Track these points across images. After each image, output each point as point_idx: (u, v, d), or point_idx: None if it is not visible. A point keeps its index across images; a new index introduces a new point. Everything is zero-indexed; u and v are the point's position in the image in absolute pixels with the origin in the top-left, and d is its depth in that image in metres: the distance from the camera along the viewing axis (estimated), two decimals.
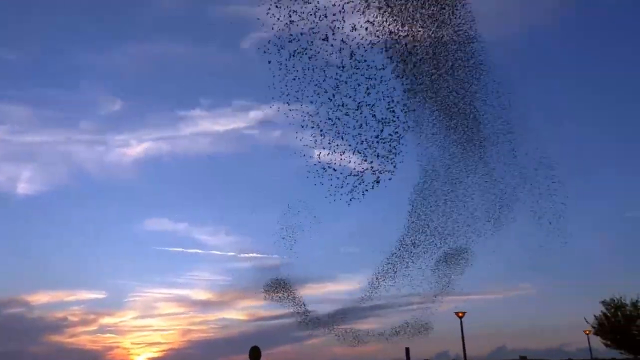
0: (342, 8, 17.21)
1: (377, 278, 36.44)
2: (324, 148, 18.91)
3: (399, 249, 31.76)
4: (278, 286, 38.45)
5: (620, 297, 48.17)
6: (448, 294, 34.26)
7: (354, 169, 17.97)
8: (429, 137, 24.76)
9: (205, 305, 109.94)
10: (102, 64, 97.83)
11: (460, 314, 33.20)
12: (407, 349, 43.90)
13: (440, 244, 32.02)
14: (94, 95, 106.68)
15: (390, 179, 16.85)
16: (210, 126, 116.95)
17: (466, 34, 20.81)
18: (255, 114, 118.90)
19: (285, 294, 38.90)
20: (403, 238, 30.72)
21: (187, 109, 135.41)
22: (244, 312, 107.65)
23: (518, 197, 26.23)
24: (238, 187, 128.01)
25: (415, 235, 31.08)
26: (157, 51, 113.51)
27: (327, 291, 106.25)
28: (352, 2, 17.83)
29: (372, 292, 37.32)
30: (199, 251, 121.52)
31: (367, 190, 17.12)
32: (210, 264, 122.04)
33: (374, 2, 19.85)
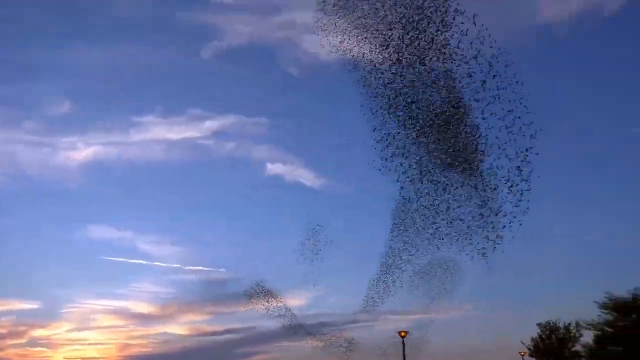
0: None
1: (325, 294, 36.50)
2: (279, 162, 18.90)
3: (349, 264, 31.98)
4: (261, 294, 37.36)
5: (556, 321, 50.46)
6: (393, 313, 34.84)
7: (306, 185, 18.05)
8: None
9: (146, 318, 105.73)
10: (52, 62, 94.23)
11: (402, 333, 33.66)
12: None
13: (391, 262, 32.56)
14: (40, 94, 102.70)
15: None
16: (163, 134, 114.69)
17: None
18: (210, 124, 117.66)
19: (270, 302, 37.75)
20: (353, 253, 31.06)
21: (141, 114, 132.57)
22: (187, 326, 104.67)
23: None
24: (188, 197, 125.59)
25: (367, 252, 31.62)
26: (112, 53, 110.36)
27: (274, 307, 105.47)
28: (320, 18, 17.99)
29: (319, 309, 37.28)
30: (142, 262, 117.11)
31: None
32: (153, 276, 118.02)
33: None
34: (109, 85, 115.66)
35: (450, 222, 25.98)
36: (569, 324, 49.37)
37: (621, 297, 38.44)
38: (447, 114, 23.15)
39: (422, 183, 25.98)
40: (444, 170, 24.87)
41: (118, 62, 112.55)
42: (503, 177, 23.46)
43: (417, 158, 25.36)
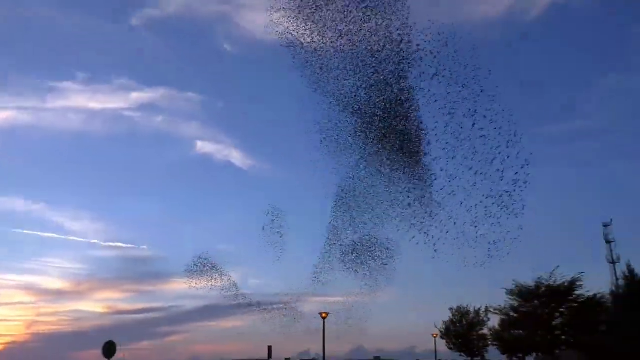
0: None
1: (248, 275, 36.13)
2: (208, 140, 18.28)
3: (276, 247, 31.79)
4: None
5: (467, 305, 53.40)
6: (314, 295, 35.13)
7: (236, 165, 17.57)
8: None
9: (57, 295, 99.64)
10: None
11: (324, 315, 34.05)
12: (270, 347, 44.12)
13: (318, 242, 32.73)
14: None
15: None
16: (85, 102, 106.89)
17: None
18: (137, 96, 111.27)
19: (213, 275, 35.61)
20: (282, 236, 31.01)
21: (59, 79, 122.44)
22: (102, 304, 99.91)
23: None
24: (110, 171, 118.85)
25: (294, 235, 31.65)
26: (32, 12, 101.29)
27: (195, 286, 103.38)
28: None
29: (240, 290, 36.75)
30: (56, 236, 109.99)
31: None
32: (68, 251, 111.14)
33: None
34: (26, 45, 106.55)
35: (391, 204, 26.57)
36: (479, 308, 52.39)
37: (526, 285, 41.28)
38: (393, 105, 23.47)
39: (362, 170, 26.41)
40: (386, 158, 25.38)
41: (38, 22, 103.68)
42: (441, 170, 24.39)
43: (361, 145, 25.70)
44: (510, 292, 42.17)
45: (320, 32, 23.76)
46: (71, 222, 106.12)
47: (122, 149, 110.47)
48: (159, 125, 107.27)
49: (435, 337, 55.22)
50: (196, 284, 34.90)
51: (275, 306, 36.35)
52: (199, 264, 34.75)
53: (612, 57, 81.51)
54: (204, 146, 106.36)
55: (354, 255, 31.68)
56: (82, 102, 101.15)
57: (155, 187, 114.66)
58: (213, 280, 35.88)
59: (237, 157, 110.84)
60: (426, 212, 25.67)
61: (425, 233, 26.58)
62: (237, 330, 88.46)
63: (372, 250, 29.91)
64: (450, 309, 53.99)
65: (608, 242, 53.22)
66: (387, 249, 29.64)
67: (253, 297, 37.33)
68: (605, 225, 53.24)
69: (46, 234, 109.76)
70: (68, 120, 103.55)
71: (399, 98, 23.46)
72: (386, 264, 30.37)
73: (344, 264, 32.35)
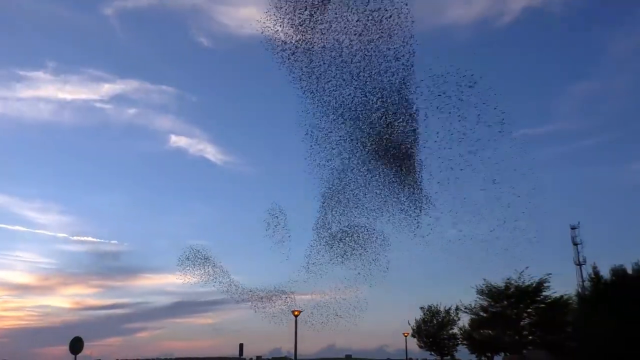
0: None
1: (222, 271, 35.62)
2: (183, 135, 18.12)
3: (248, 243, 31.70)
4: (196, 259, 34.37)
5: (437, 305, 53.99)
6: (286, 293, 34.92)
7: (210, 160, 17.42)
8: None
9: (24, 289, 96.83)
10: None
11: (296, 312, 33.83)
12: (241, 345, 43.78)
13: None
14: None
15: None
16: (55, 92, 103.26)
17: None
18: (109, 87, 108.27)
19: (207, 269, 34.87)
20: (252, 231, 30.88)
21: (29, 69, 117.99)
22: (70, 299, 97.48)
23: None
24: (80, 163, 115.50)
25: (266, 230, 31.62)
26: (2, 0, 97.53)
27: (167, 282, 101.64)
28: None
29: (213, 286, 36.30)
30: (23, 229, 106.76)
31: None
32: (36, 244, 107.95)
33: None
34: None
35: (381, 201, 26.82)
36: (450, 308, 53.02)
37: (496, 285, 41.96)
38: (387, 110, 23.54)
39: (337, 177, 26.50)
40: (372, 159, 25.50)
41: (8, 10, 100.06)
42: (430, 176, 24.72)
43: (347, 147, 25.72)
44: (480, 292, 42.83)
45: (302, 29, 23.50)
46: (39, 215, 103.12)
47: (93, 140, 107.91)
48: (132, 118, 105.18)
49: (406, 336, 55.68)
50: (189, 277, 34.40)
51: (246, 303, 36.06)
52: (191, 256, 34.40)
53: (585, 63, 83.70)
54: (177, 140, 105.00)
55: (333, 249, 31.73)
56: (51, 92, 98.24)
57: (126, 180, 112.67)
58: (207, 273, 35.41)
59: (211, 151, 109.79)
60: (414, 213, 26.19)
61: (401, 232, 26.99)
62: (208, 327, 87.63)
63: (356, 239, 30.11)
64: (422, 308, 54.57)
65: (575, 244, 54.56)
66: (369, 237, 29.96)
67: (224, 294, 36.87)
68: (573, 228, 54.60)
69: (13, 227, 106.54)
70: (38, 111, 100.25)
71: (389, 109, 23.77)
72: (376, 258, 30.62)
73: (320, 262, 32.40)
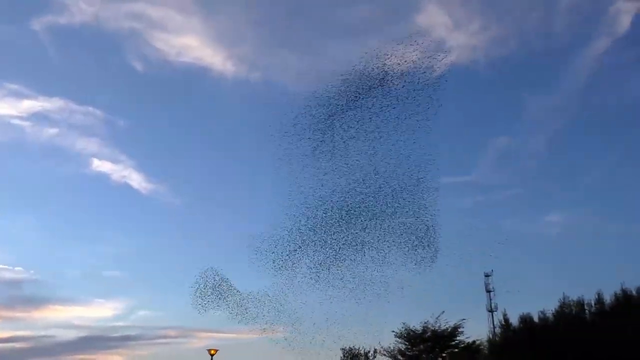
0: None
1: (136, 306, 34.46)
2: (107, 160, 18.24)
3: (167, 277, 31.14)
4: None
5: (357, 348, 54.01)
6: (204, 330, 33.84)
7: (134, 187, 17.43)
8: None
9: None
10: None
11: (212, 351, 32.63)
12: None
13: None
14: None
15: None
16: None
17: None
18: (30, 104, 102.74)
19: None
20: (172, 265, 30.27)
21: None
22: None
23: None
24: None
25: (186, 267, 31.04)
26: None
27: (75, 315, 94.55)
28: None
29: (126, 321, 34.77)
30: None
31: None
32: None
33: None
34: None
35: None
36: (369, 351, 53.23)
37: (414, 329, 42.90)
38: None
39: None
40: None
41: None
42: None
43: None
44: (399, 335, 43.55)
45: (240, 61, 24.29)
46: None
47: (6, 159, 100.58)
48: (52, 138, 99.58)
49: None
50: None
51: (162, 340, 34.44)
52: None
53: (504, 121, 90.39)
54: (100, 165, 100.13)
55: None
56: None
57: (40, 204, 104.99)
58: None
59: (135, 179, 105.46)
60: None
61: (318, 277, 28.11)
62: None
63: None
64: (342, 349, 54.40)
65: (488, 291, 57.22)
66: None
67: (138, 330, 35.11)
68: (487, 276, 57.30)
69: None
70: None
71: None
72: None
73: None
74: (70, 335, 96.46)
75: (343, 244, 30.74)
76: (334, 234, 30.87)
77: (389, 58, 28.50)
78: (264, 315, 34.74)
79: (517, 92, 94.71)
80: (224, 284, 37.06)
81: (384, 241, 29.73)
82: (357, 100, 26.20)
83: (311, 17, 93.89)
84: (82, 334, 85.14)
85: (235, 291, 37.87)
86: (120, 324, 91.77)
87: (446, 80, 29.13)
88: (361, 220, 30.25)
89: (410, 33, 29.23)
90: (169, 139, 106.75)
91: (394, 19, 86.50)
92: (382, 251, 30.60)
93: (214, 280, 37.65)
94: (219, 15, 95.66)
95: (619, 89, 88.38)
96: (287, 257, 31.94)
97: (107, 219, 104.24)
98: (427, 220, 29.37)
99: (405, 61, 28.05)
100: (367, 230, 29.34)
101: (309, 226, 32.14)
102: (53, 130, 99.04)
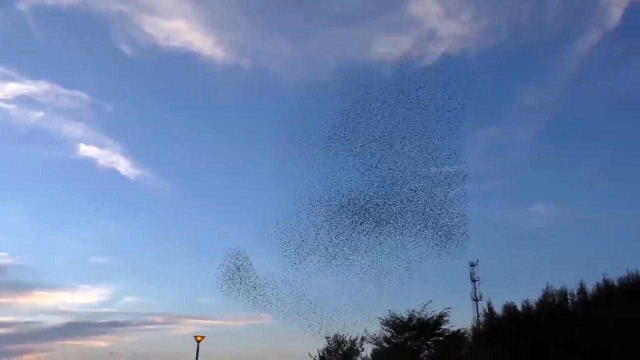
0: None
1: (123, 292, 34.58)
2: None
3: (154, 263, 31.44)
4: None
5: (343, 335, 54.40)
6: (191, 317, 33.85)
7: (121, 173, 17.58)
8: None
9: None
10: None
11: (199, 338, 32.64)
12: None
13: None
14: None
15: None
16: None
17: None
18: (15, 87, 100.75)
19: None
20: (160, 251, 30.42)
21: None
22: None
23: None
24: None
25: (174, 252, 31.11)
26: None
27: (61, 301, 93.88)
28: None
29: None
30: None
31: None
32: None
33: None
34: None
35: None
36: (356, 338, 53.65)
37: (400, 317, 43.30)
38: None
39: None
40: None
41: None
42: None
43: None
44: (385, 323, 43.93)
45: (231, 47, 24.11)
46: None
47: None
48: (38, 122, 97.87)
49: None
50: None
51: (149, 326, 34.39)
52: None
53: (494, 111, 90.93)
54: (87, 149, 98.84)
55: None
56: None
57: (26, 189, 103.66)
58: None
59: (123, 164, 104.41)
60: None
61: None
62: (104, 351, 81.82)
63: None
64: (327, 337, 54.70)
65: (473, 280, 57.84)
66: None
67: (125, 316, 35.15)
68: (472, 265, 57.86)
69: None
70: None
71: None
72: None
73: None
74: (56, 321, 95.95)
75: (336, 240, 31.33)
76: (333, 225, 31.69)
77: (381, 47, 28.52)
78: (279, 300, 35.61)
79: (507, 82, 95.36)
80: (245, 266, 37.55)
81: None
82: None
83: (303, 4, 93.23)
84: (68, 319, 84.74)
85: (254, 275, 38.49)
86: (107, 310, 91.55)
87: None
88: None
89: (403, 22, 29.09)
90: (157, 124, 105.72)
91: (386, 7, 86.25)
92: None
93: (236, 262, 38.09)
94: (209, 0, 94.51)
95: (608, 81, 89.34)
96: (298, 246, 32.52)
97: (94, 205, 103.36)
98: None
99: (397, 50, 27.96)
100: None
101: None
102: (39, 114, 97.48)
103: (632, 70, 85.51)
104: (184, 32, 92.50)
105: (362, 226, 32.09)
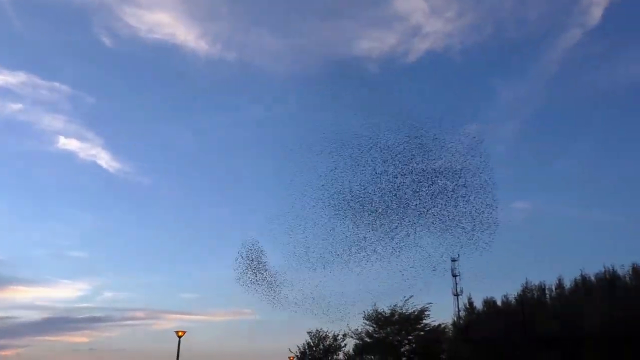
0: None
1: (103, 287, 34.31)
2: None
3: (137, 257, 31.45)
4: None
5: (326, 330, 54.53)
6: (172, 312, 33.58)
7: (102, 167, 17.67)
8: None
9: None
10: None
11: (180, 333, 32.27)
12: None
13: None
14: None
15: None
16: None
17: None
18: None
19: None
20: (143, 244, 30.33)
21: None
22: None
23: None
24: None
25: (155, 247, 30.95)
26: None
27: (39, 296, 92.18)
28: None
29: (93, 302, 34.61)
30: None
31: None
32: None
33: None
34: None
35: None
36: (337, 335, 53.83)
37: (382, 312, 43.56)
38: None
39: None
40: None
41: None
42: None
43: None
44: (367, 318, 44.14)
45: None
46: None
47: None
48: (15, 114, 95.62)
49: None
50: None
51: (129, 322, 34.01)
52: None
53: (476, 107, 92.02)
54: (67, 142, 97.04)
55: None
56: None
57: (2, 181, 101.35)
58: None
59: (104, 158, 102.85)
60: None
61: None
62: (83, 346, 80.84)
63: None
64: (309, 332, 54.78)
65: (454, 275, 58.48)
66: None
67: (105, 311, 34.74)
68: (453, 260, 58.45)
69: None
70: None
71: None
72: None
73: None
74: (34, 316, 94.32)
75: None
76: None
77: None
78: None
79: (489, 79, 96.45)
80: (260, 258, 37.42)
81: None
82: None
83: None
84: (46, 315, 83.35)
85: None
86: (86, 305, 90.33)
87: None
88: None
89: (389, 18, 29.26)
90: (139, 117, 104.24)
91: (372, 3, 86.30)
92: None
93: (253, 253, 37.78)
94: None
95: (589, 78, 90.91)
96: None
97: (74, 198, 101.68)
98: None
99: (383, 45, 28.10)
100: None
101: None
102: (17, 106, 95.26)
103: (612, 68, 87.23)
104: (166, 24, 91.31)
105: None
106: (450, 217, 32.01)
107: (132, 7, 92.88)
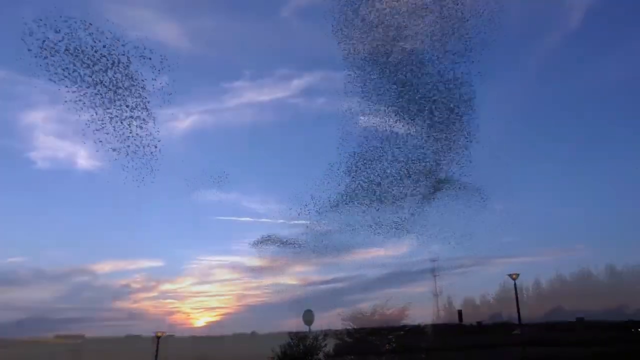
0: None
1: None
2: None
3: None
4: None
5: (306, 331, 54.09)
6: (498, 257, 33.24)
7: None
8: None
9: (258, 271, 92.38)
10: None
11: (514, 276, 31.25)
12: (460, 312, 43.13)
13: None
14: None
15: None
16: (255, 97, 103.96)
17: None
18: (298, 83, 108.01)
19: None
20: None
21: (231, 80, 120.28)
22: (296, 277, 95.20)
23: None
24: (283, 156, 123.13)
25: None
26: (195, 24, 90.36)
27: (376, 255, 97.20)
28: None
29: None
30: (249, 219, 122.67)
31: None
32: (261, 232, 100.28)
33: None
34: (199, 56, 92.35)
35: None
36: (318, 334, 53.57)
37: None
38: None
39: None
40: None
41: (201, 32, 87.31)
42: None
43: None
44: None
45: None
46: (260, 206, 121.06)
47: (290, 133, 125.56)
48: (322, 106, 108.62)
49: None
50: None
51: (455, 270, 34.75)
52: None
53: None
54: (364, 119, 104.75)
55: None
56: (252, 97, 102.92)
57: (323, 164, 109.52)
58: None
59: (395, 123, 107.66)
60: None
61: None
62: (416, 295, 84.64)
63: None
64: (289, 333, 54.28)
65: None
66: None
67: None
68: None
69: (242, 219, 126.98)
70: (242, 115, 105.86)
71: None
72: None
73: None
74: (376, 273, 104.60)
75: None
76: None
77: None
78: None
79: (471, 80, 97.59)
80: None
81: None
82: None
83: None
84: (386, 271, 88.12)
85: None
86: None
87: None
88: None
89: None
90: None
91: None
92: None
93: None
94: None
95: (568, 81, 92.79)
96: None
97: (52, 196, 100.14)
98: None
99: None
100: None
101: None
102: (320, 100, 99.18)
103: (591, 71, 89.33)
104: (148, 20, 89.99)
105: None
106: None
107: (113, 3, 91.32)
